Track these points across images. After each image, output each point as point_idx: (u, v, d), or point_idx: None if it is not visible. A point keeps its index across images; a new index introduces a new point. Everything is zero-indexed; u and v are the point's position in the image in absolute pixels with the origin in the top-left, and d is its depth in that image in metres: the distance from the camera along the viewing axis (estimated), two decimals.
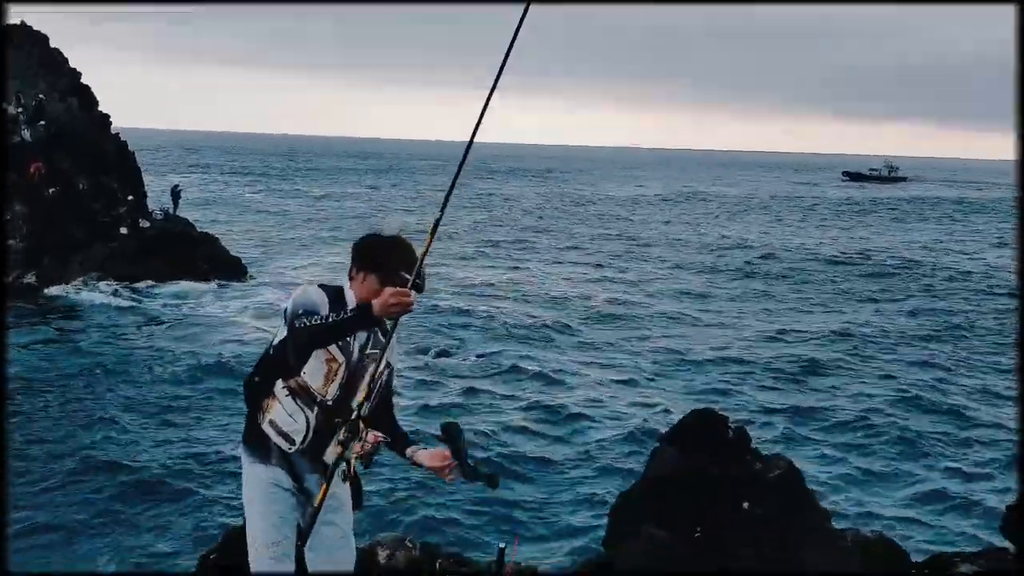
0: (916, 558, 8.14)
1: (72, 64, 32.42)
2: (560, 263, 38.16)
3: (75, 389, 17.44)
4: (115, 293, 26.28)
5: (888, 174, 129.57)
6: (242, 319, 24.29)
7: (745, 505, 6.61)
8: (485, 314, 25.78)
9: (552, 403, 17.52)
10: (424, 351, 21.00)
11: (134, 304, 25.50)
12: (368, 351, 3.26)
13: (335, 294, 3.23)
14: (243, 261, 31.13)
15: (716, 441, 7.00)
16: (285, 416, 3.23)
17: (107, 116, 32.12)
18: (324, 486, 3.17)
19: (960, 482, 14.48)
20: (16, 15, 31.65)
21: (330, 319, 3.04)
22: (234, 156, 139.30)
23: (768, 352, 22.50)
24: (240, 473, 3.38)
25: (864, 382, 20.10)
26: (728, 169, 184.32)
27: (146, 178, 33.76)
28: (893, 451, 15.73)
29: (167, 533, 11.54)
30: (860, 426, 16.83)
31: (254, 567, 3.29)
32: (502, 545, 3.91)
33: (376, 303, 2.96)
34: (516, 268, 35.87)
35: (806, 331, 25.31)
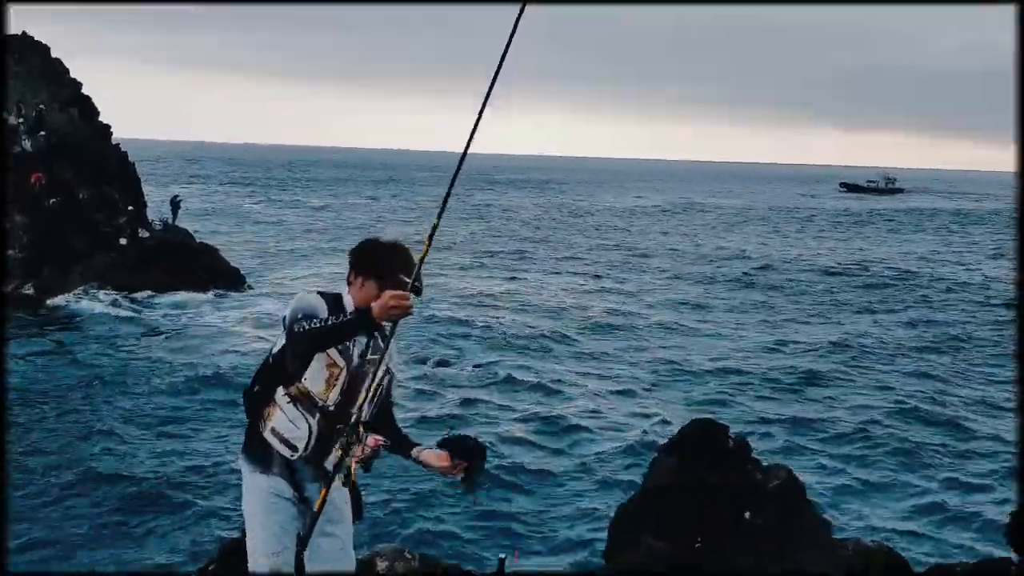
0: (915, 569, 8.14)
1: (73, 74, 32.54)
2: (558, 273, 38.18)
3: (74, 400, 17.41)
4: (114, 303, 26.28)
5: (885, 186, 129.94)
6: (241, 329, 24.28)
7: (746, 515, 6.61)
8: (483, 324, 25.78)
9: (550, 414, 17.50)
10: (423, 361, 20.99)
11: (133, 314, 25.48)
12: (368, 356, 3.27)
13: (334, 300, 3.24)
14: (242, 272, 31.15)
15: (716, 451, 7.00)
16: (287, 423, 3.23)
17: (108, 126, 32.20)
18: (324, 491, 3.17)
19: (959, 493, 14.46)
20: (17, 13, 31.68)
21: (329, 322, 3.05)
22: (234, 167, 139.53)
23: (766, 363, 22.51)
24: (239, 484, 3.39)
25: (863, 393, 20.10)
26: (725, 181, 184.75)
27: (146, 188, 33.81)
28: (892, 462, 15.71)
29: (165, 545, 11.50)
30: (859, 437, 16.82)
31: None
32: (502, 556, 3.92)
33: (375, 306, 2.97)
34: (514, 279, 35.89)
35: (804, 342, 25.33)
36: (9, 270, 26.09)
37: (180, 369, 19.81)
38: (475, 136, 3.13)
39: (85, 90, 32.30)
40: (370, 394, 3.23)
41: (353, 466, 3.28)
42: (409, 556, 6.54)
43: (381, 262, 3.25)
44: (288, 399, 3.23)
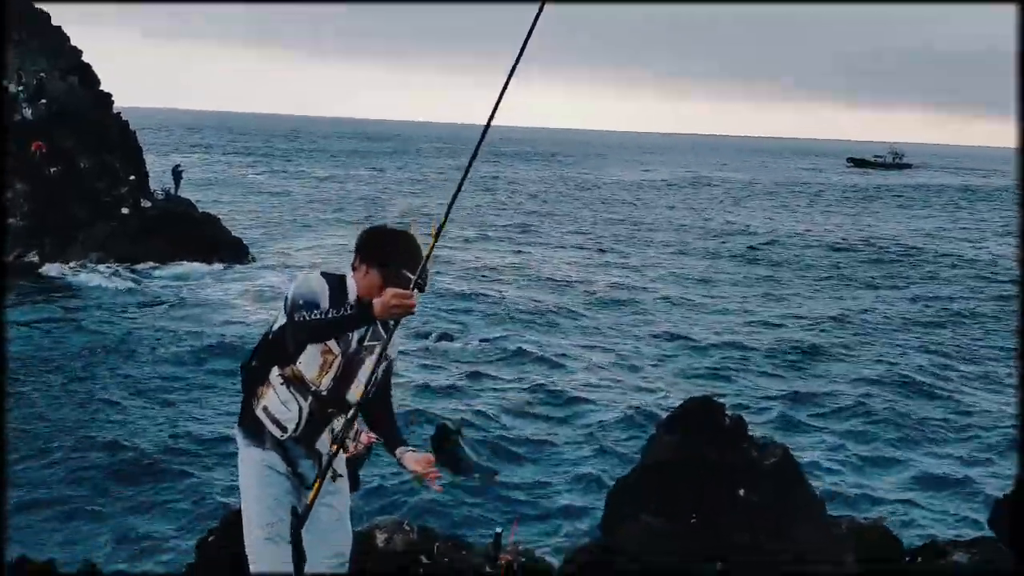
0: (914, 543, 8.17)
1: (73, 43, 32.27)
2: (563, 247, 38.10)
3: (75, 369, 17.49)
4: (116, 273, 26.31)
5: (893, 160, 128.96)
6: (243, 301, 24.31)
7: (741, 492, 6.62)
8: (487, 298, 25.77)
9: (553, 387, 17.55)
10: (426, 335, 21.02)
11: (135, 285, 25.52)
12: (366, 343, 3.25)
13: (337, 283, 3.21)
14: (245, 242, 31.10)
15: (713, 428, 7.00)
16: (278, 404, 3.24)
17: (109, 95, 32.00)
18: (317, 483, 3.17)
19: (959, 467, 14.51)
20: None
21: (329, 315, 3.01)
22: (237, 136, 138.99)
23: (770, 337, 22.50)
24: (237, 455, 3.39)
25: (864, 368, 20.11)
26: (734, 154, 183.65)
27: (148, 158, 33.68)
28: (892, 436, 15.75)
29: (166, 513, 11.60)
30: (859, 412, 16.86)
31: (250, 548, 3.29)
32: (499, 529, 3.92)
33: (377, 303, 2.93)
34: (519, 252, 35.83)
35: (808, 317, 25.30)
36: (10, 239, 26.10)
37: (182, 339, 19.88)
38: (490, 125, 3.08)
39: (85, 58, 32.08)
40: (366, 383, 3.22)
41: (345, 458, 3.28)
42: (408, 528, 6.57)
43: (387, 250, 3.20)
44: (282, 380, 3.23)
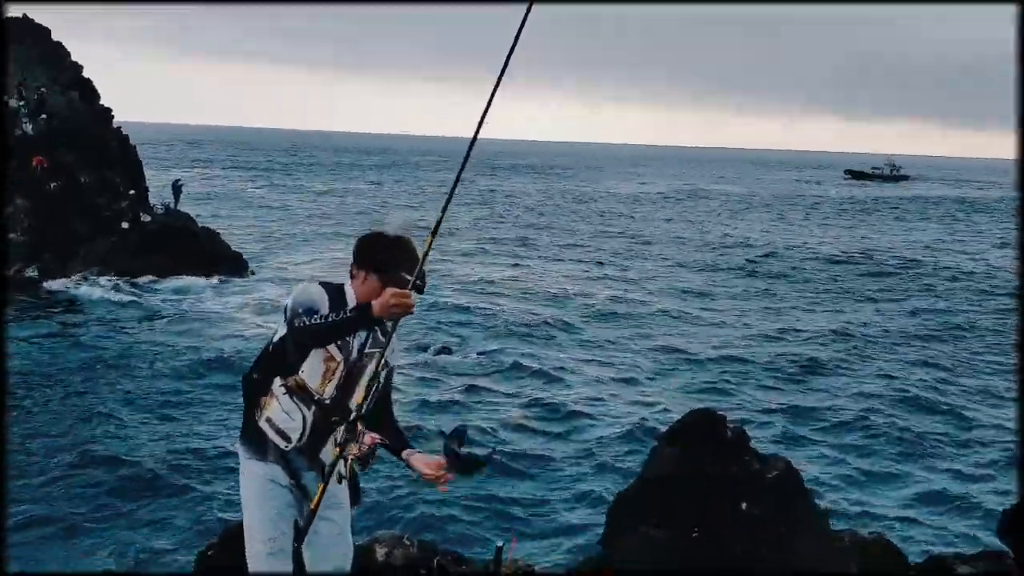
0: (915, 559, 8.14)
1: (74, 58, 32.42)
2: (561, 260, 38.13)
3: (75, 383, 17.45)
4: (116, 288, 26.30)
5: (891, 173, 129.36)
6: (243, 315, 24.30)
7: (743, 505, 6.61)
8: (486, 311, 25.78)
9: (552, 401, 17.52)
10: (424, 348, 21.01)
11: (135, 299, 25.51)
12: (367, 350, 3.26)
13: (336, 292, 3.23)
14: (244, 256, 31.14)
15: (715, 441, 6.99)
16: (282, 414, 3.23)
17: (109, 110, 32.12)
18: (321, 487, 3.17)
19: (960, 483, 14.46)
20: (17, 9, 31.59)
21: (330, 319, 3.04)
22: (236, 151, 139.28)
23: (769, 351, 22.49)
24: (239, 468, 3.39)
25: (864, 382, 20.09)
26: (731, 167, 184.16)
27: (148, 172, 33.76)
28: (893, 451, 15.72)
29: (166, 528, 11.54)
30: (860, 426, 16.82)
31: (251, 562, 3.29)
32: (500, 543, 3.91)
33: (376, 304, 2.96)
34: (517, 265, 35.86)
35: (807, 330, 25.30)
36: (11, 253, 26.11)
37: (182, 353, 19.86)
38: (480, 130, 3.10)
39: (86, 73, 32.22)
40: (367, 388, 3.22)
41: (348, 462, 3.27)
42: (408, 542, 6.55)
43: (384, 256, 3.23)
44: (284, 390, 3.23)
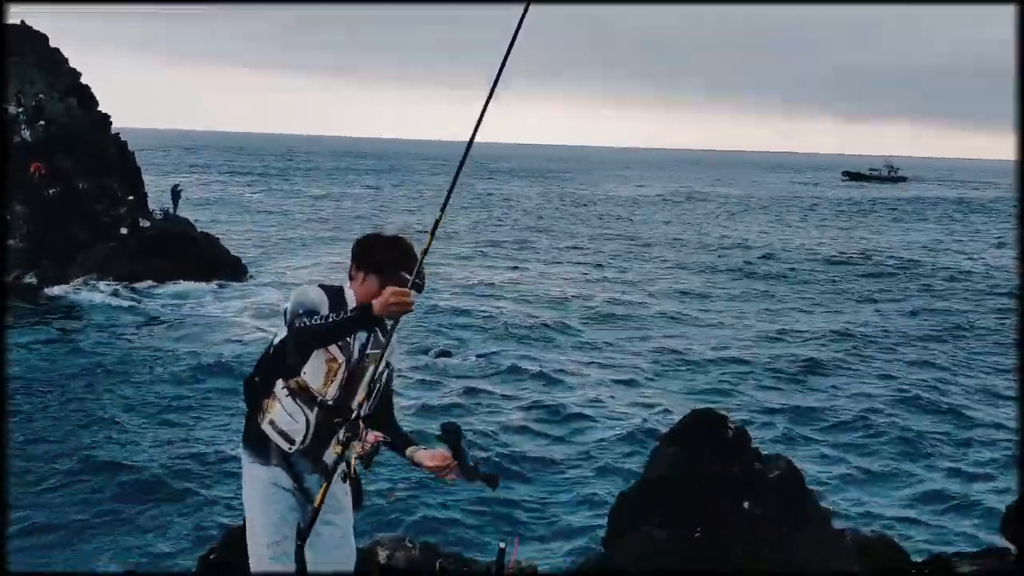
0: (916, 558, 8.14)
1: (72, 64, 32.44)
2: (560, 263, 38.16)
3: (75, 389, 17.44)
4: (115, 293, 26.30)
5: (888, 174, 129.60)
6: (242, 319, 24.30)
7: (745, 505, 6.61)
8: (485, 314, 25.78)
9: (552, 403, 17.52)
10: (424, 351, 21.01)
11: (134, 304, 25.51)
12: (368, 351, 3.27)
13: (335, 294, 3.24)
14: (243, 261, 31.15)
15: (716, 441, 7.00)
16: (285, 416, 3.23)
17: (107, 116, 32.13)
18: (324, 485, 3.17)
19: (960, 482, 14.47)
20: (16, 15, 31.61)
21: (330, 319, 3.05)
22: (234, 156, 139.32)
23: (768, 352, 22.50)
24: (240, 473, 3.39)
25: (864, 382, 20.11)
26: (728, 169, 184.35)
27: (146, 178, 33.77)
28: (893, 451, 15.73)
29: (167, 533, 11.53)
30: (860, 426, 16.83)
31: (254, 566, 3.29)
32: (502, 545, 3.91)
33: (376, 303, 2.97)
34: (516, 268, 35.87)
35: (806, 331, 25.32)
36: (9, 260, 26.10)
37: (181, 358, 19.85)
38: (477, 131, 3.11)
39: (83, 79, 32.23)
40: (369, 389, 3.23)
41: (353, 462, 3.28)
42: (410, 545, 6.55)
43: (383, 257, 3.24)
44: (287, 392, 3.23)
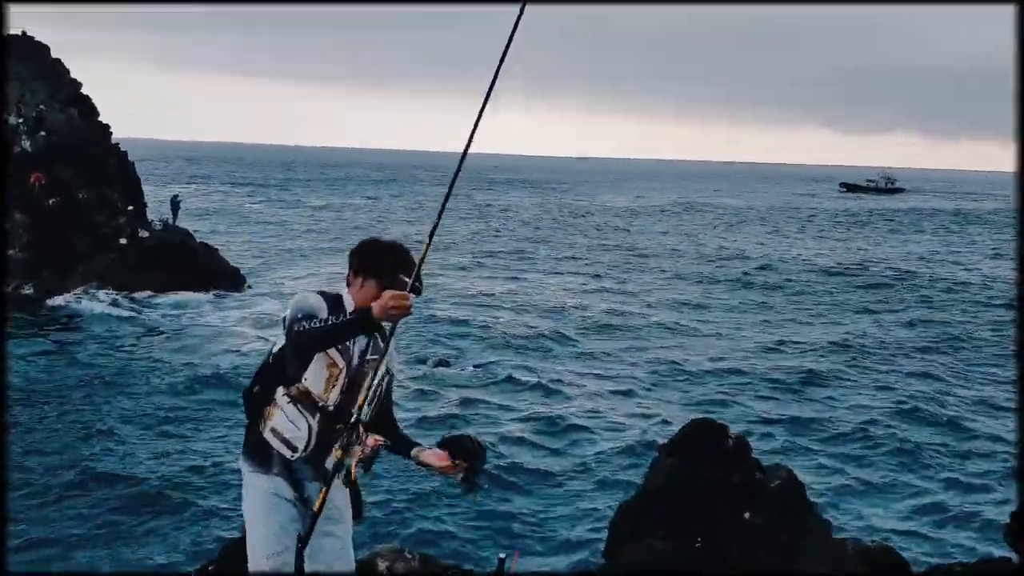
0: (915, 569, 8.13)
1: (73, 75, 32.53)
2: (558, 274, 38.18)
3: (74, 400, 17.41)
4: (114, 303, 26.29)
5: (885, 185, 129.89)
6: (241, 329, 24.28)
7: (746, 515, 6.61)
8: (483, 324, 25.78)
9: (550, 414, 17.50)
10: (422, 361, 21.00)
11: (133, 314, 25.49)
12: (368, 357, 3.28)
13: (334, 300, 3.25)
14: (242, 272, 31.17)
15: (716, 450, 7.00)
16: (287, 423, 3.23)
17: (107, 126, 32.20)
18: (324, 490, 3.17)
19: (959, 493, 14.46)
20: (17, 17, 31.68)
21: (330, 322, 3.06)
22: (233, 167, 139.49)
23: (766, 363, 22.51)
24: (239, 484, 3.40)
25: (862, 393, 20.11)
26: (725, 180, 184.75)
27: (146, 188, 33.82)
28: (892, 462, 15.71)
29: (165, 545, 11.49)
30: (859, 437, 16.82)
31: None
32: (502, 555, 3.91)
33: (375, 305, 2.98)
34: (514, 279, 35.89)
35: (804, 342, 25.33)
36: (9, 270, 26.10)
37: (180, 369, 19.82)
38: (474, 136, 3.13)
39: (84, 90, 32.32)
40: (370, 394, 3.24)
41: (353, 466, 3.28)
42: (409, 556, 6.54)
43: (381, 262, 3.26)
44: (288, 399, 3.23)
